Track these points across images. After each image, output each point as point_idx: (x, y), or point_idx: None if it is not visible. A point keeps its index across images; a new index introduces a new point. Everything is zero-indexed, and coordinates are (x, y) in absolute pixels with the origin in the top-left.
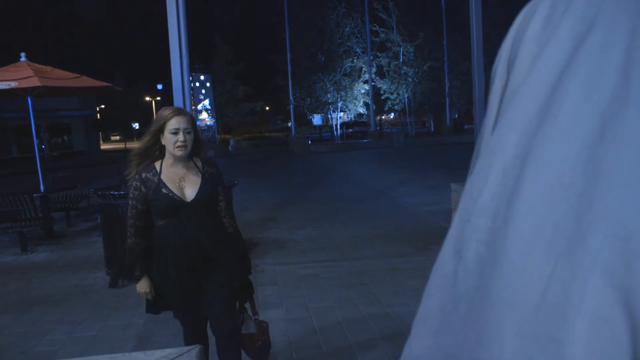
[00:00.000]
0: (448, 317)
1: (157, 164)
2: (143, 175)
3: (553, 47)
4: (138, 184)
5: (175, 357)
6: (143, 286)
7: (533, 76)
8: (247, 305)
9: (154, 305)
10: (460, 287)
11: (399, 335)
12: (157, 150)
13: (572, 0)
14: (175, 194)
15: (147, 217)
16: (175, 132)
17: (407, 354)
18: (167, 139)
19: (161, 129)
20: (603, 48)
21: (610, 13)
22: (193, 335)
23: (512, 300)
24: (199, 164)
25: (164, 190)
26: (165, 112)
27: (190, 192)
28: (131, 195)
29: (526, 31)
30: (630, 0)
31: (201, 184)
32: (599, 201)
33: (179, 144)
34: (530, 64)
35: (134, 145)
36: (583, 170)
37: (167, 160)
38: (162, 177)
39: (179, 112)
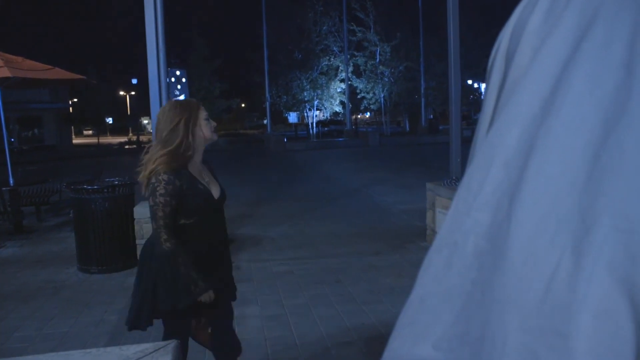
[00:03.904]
0: (432, 309)
1: (181, 159)
2: (177, 165)
3: (555, 41)
4: (171, 177)
5: (152, 352)
6: (210, 294)
7: (535, 69)
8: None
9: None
10: (453, 280)
11: (374, 332)
12: (188, 145)
13: None
14: (208, 189)
15: (175, 216)
16: (208, 119)
17: (387, 346)
18: (203, 126)
19: (194, 120)
20: (605, 42)
21: (610, 8)
22: (186, 336)
23: (515, 294)
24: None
25: (199, 186)
26: (188, 102)
27: (214, 189)
28: (163, 191)
29: (527, 23)
30: None
31: (218, 181)
32: (603, 195)
33: (213, 128)
34: (531, 57)
35: (157, 150)
36: (587, 164)
37: (190, 153)
38: (191, 171)
39: (198, 101)
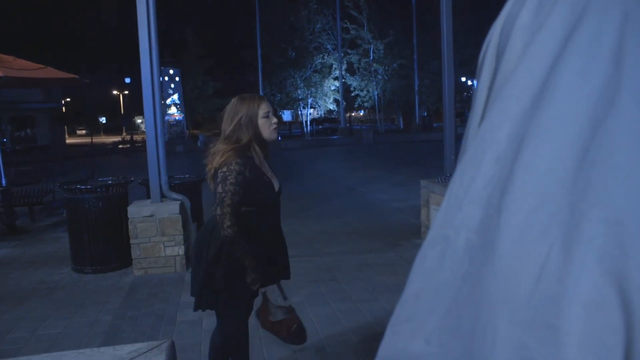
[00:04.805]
0: (426, 304)
1: (248, 152)
2: (245, 159)
3: (545, 35)
4: (242, 168)
5: (145, 352)
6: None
7: (525, 64)
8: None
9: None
10: (445, 274)
11: (370, 330)
12: (252, 141)
13: None
14: (272, 183)
15: (241, 204)
16: (268, 116)
17: (383, 343)
18: (262, 124)
19: (254, 116)
20: (594, 36)
21: (599, 2)
22: (246, 323)
23: (505, 287)
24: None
25: (265, 178)
26: (249, 98)
27: (275, 183)
28: (234, 180)
29: (517, 19)
30: None
31: (277, 175)
32: (593, 188)
33: (273, 126)
34: (521, 52)
35: (223, 145)
36: (576, 157)
37: (254, 148)
38: (258, 164)
39: (261, 97)
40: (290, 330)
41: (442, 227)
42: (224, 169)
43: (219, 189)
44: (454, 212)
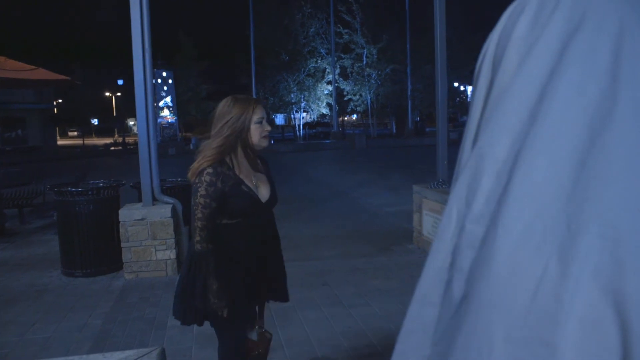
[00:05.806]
0: (443, 327)
1: (227, 159)
2: (218, 169)
3: (542, 47)
4: (213, 179)
5: (136, 359)
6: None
7: (522, 76)
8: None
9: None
10: (456, 295)
11: (361, 335)
12: (236, 145)
13: None
14: (254, 193)
15: (216, 218)
16: (261, 122)
17: None
18: (253, 129)
19: (245, 120)
20: (591, 49)
21: (596, 15)
22: (242, 343)
23: (501, 304)
24: (258, 159)
25: (243, 188)
26: (243, 100)
27: (264, 191)
28: (204, 192)
29: (514, 30)
30: None
31: (270, 183)
32: (589, 202)
33: (265, 133)
34: (518, 64)
35: (210, 143)
36: (573, 171)
37: (239, 154)
38: (237, 172)
39: (258, 100)
40: (251, 354)
41: (445, 247)
42: (196, 180)
43: (192, 202)
44: (457, 230)
